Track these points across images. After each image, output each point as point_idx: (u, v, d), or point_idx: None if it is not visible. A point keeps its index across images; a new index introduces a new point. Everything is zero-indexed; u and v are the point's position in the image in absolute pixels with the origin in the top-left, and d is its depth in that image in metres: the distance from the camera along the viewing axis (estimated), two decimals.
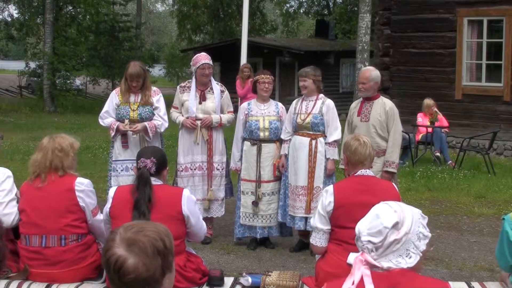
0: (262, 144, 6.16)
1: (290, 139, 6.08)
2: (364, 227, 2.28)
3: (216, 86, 6.43)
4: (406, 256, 2.25)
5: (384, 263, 2.26)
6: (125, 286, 1.77)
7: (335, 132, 5.96)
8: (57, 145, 4.01)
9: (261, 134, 6.15)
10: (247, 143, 6.21)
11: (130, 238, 1.78)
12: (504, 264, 3.71)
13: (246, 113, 6.24)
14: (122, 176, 6.11)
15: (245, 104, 6.39)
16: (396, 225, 2.25)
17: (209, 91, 6.38)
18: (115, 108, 6.13)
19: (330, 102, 6.04)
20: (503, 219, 3.59)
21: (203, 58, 6.28)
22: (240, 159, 6.25)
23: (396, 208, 2.29)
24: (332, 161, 5.96)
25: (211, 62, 6.34)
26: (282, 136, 6.14)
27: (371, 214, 2.30)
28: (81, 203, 3.99)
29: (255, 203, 6.14)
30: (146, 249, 1.76)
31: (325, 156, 5.94)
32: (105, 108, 6.17)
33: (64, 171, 4.00)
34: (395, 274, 2.24)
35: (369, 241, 2.26)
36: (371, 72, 6.02)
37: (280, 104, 6.37)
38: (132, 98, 6.11)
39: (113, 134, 6.09)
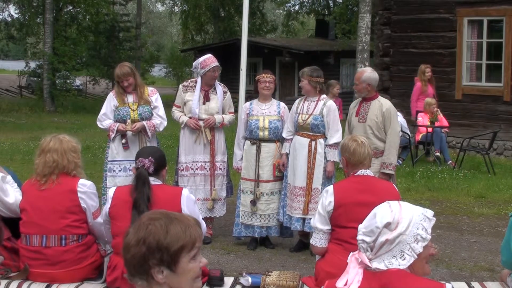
0: (262, 144, 6.16)
1: (291, 138, 6.08)
2: (362, 226, 2.29)
3: (219, 87, 6.45)
4: (400, 258, 2.24)
5: (377, 264, 2.25)
6: (122, 256, 1.94)
7: (335, 134, 5.95)
8: (71, 146, 4.02)
9: (260, 133, 6.15)
10: (247, 143, 6.23)
11: (140, 220, 1.93)
12: (506, 257, 3.74)
13: (247, 113, 6.26)
14: (120, 177, 6.11)
15: (247, 104, 6.41)
16: (388, 225, 2.23)
17: (212, 92, 6.40)
18: (113, 110, 6.14)
19: (331, 104, 6.03)
20: (511, 216, 3.68)
21: (212, 61, 6.31)
22: (241, 158, 6.26)
23: (394, 208, 2.28)
24: (332, 163, 5.94)
25: (219, 64, 6.40)
26: (284, 135, 6.14)
27: (371, 213, 2.30)
28: (83, 205, 3.99)
29: (253, 202, 6.14)
30: (138, 234, 1.89)
31: (325, 157, 5.94)
32: (103, 110, 6.19)
33: (75, 172, 4.01)
34: (388, 274, 2.23)
35: (363, 240, 2.27)
36: (364, 74, 6.02)
37: (282, 104, 6.37)
38: (130, 99, 6.13)
39: (113, 135, 6.09)
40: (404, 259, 2.23)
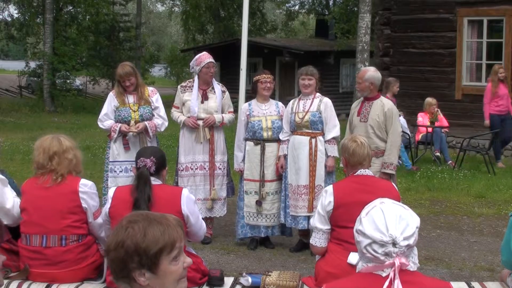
0: (266, 144, 6.16)
1: (288, 139, 6.08)
2: (397, 232, 2.20)
3: (217, 86, 6.45)
4: (413, 251, 2.28)
5: (412, 263, 2.26)
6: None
7: (333, 129, 5.98)
8: (72, 145, 4.04)
9: (265, 134, 6.16)
10: (249, 143, 6.21)
11: (120, 223, 1.90)
12: (506, 257, 3.75)
13: (247, 114, 6.24)
14: (121, 177, 6.10)
15: (246, 105, 6.40)
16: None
17: (210, 91, 6.40)
18: (114, 110, 6.13)
19: (327, 100, 6.08)
20: (511, 216, 3.68)
21: (207, 57, 6.32)
22: (243, 160, 6.25)
23: (405, 206, 2.30)
24: (332, 158, 5.97)
25: (214, 61, 6.38)
26: (280, 137, 6.14)
27: (393, 217, 2.22)
28: (84, 205, 3.99)
29: (259, 203, 6.14)
30: (117, 238, 1.87)
31: (326, 154, 5.95)
32: (104, 110, 6.17)
33: (76, 172, 4.01)
34: (407, 272, 2.24)
35: (408, 245, 2.21)
36: (367, 73, 6.03)
37: (280, 103, 6.39)
38: (130, 99, 6.12)
39: (115, 136, 6.08)
40: (414, 249, 2.27)
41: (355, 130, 5.94)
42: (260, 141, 6.17)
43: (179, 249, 1.91)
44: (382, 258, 2.20)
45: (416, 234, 2.23)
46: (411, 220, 2.23)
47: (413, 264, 2.26)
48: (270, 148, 6.17)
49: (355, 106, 6.20)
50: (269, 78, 6.22)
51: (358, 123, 6.02)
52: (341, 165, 5.88)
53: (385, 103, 5.99)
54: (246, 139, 6.25)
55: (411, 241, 2.21)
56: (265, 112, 6.22)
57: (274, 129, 6.16)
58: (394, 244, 2.19)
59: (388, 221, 2.21)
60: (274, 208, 6.18)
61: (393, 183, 4.68)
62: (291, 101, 6.18)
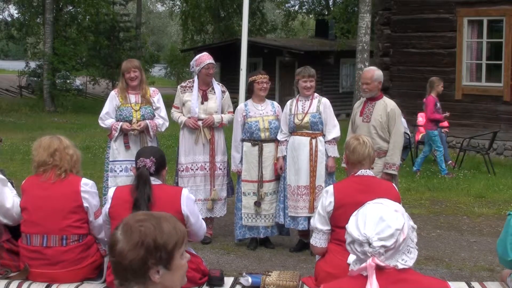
0: (263, 144, 6.16)
1: (286, 140, 6.08)
2: (372, 232, 2.20)
3: (217, 86, 6.45)
4: (408, 253, 2.24)
5: (392, 263, 2.24)
6: (113, 264, 1.89)
7: (333, 130, 5.98)
8: (71, 145, 4.06)
9: (262, 134, 6.15)
10: (247, 144, 6.20)
11: (128, 225, 1.89)
12: (501, 253, 3.75)
13: (244, 115, 6.22)
14: (121, 177, 6.10)
15: (241, 106, 6.38)
16: (404, 225, 2.24)
17: (210, 91, 6.40)
18: (115, 109, 6.13)
19: (326, 101, 6.09)
20: (509, 214, 3.68)
21: (207, 58, 6.32)
22: (240, 161, 6.24)
23: (395, 207, 2.28)
24: (332, 159, 5.97)
25: (214, 62, 6.38)
26: (279, 137, 6.13)
27: (374, 217, 2.23)
28: (85, 204, 3.99)
29: (258, 203, 6.13)
30: (132, 239, 1.85)
31: (326, 154, 5.95)
32: (105, 109, 6.17)
33: (75, 171, 4.02)
34: (396, 271, 2.23)
35: (382, 246, 2.19)
36: (375, 72, 6.04)
37: (275, 103, 6.39)
38: (132, 99, 6.13)
39: (116, 134, 6.08)
40: (410, 253, 2.25)
41: (358, 130, 5.93)
42: (257, 141, 6.16)
43: (186, 244, 1.95)
44: (362, 257, 2.23)
45: (396, 237, 2.19)
46: (393, 223, 2.20)
47: (400, 265, 2.23)
48: (268, 148, 6.17)
49: (357, 106, 6.19)
50: (265, 78, 6.21)
51: (360, 123, 6.01)
52: (342, 164, 5.91)
53: (388, 104, 5.98)
54: (243, 140, 6.23)
55: (389, 243, 2.18)
56: (262, 112, 6.21)
57: (271, 130, 6.15)
58: (369, 243, 2.20)
59: (367, 221, 2.23)
60: (273, 208, 6.17)
61: (394, 184, 4.68)
62: (289, 102, 6.16)
